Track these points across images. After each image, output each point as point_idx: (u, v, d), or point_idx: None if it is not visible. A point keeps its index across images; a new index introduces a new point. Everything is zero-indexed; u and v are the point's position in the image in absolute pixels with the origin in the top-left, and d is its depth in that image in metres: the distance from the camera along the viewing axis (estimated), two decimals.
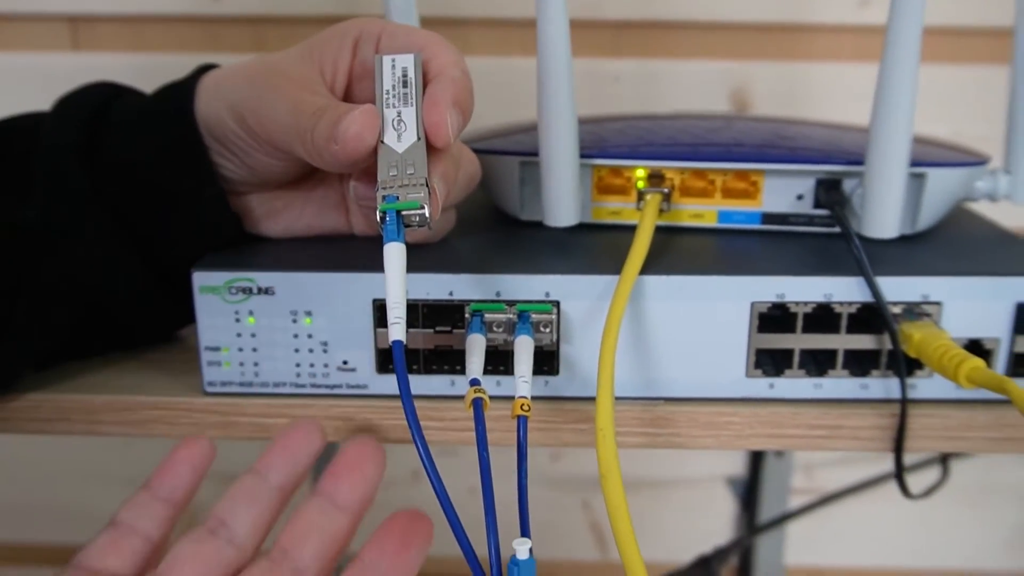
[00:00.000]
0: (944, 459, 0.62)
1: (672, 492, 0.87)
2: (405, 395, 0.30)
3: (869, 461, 0.80)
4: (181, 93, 0.40)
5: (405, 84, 0.36)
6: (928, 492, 0.50)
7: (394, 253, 0.32)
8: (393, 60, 0.37)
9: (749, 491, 0.81)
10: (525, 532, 0.31)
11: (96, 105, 0.41)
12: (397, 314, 0.31)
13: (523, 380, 0.35)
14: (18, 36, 0.75)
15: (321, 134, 0.35)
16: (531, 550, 0.30)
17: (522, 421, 0.34)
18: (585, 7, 0.72)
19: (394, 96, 0.36)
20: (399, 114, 0.35)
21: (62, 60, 0.75)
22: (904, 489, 0.41)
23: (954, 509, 0.86)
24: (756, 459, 0.80)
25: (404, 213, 0.33)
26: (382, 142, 0.35)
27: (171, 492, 0.37)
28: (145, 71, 0.44)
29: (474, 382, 0.34)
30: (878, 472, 0.76)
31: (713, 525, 0.86)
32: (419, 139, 0.34)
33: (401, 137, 0.35)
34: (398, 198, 0.33)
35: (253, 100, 0.38)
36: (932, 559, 0.89)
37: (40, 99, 0.44)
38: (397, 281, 0.32)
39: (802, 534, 0.86)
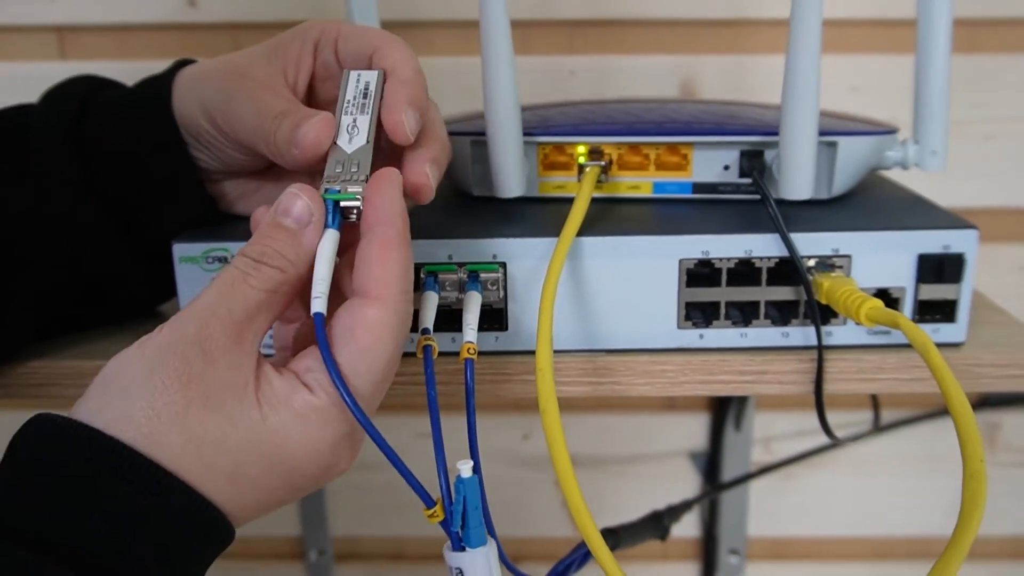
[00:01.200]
0: (876, 420, 0.66)
1: (636, 468, 0.89)
2: (327, 358, 0.32)
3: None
4: (159, 90, 0.43)
5: (365, 96, 0.39)
6: (856, 438, 0.54)
7: (327, 238, 0.34)
8: (359, 75, 0.40)
9: (710, 464, 0.84)
10: (473, 457, 0.35)
11: (81, 97, 0.44)
12: (320, 289, 0.33)
13: (470, 327, 0.39)
14: (7, 46, 0.78)
15: (283, 136, 0.39)
16: (474, 468, 0.34)
17: (469, 363, 0.37)
18: (540, 7, 0.76)
19: (353, 105, 0.39)
20: (355, 121, 0.38)
21: (50, 68, 0.78)
22: (828, 431, 0.44)
23: (905, 480, 0.89)
24: (716, 433, 0.84)
25: (343, 205, 0.35)
26: (335, 144, 0.38)
27: None
28: (129, 77, 0.47)
29: (425, 331, 0.38)
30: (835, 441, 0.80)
31: (676, 498, 0.88)
32: (368, 143, 0.38)
33: (352, 140, 0.38)
34: (340, 191, 0.35)
35: (222, 103, 0.41)
36: (885, 527, 0.92)
37: None
38: (324, 263, 0.34)
39: (763, 507, 0.89)
